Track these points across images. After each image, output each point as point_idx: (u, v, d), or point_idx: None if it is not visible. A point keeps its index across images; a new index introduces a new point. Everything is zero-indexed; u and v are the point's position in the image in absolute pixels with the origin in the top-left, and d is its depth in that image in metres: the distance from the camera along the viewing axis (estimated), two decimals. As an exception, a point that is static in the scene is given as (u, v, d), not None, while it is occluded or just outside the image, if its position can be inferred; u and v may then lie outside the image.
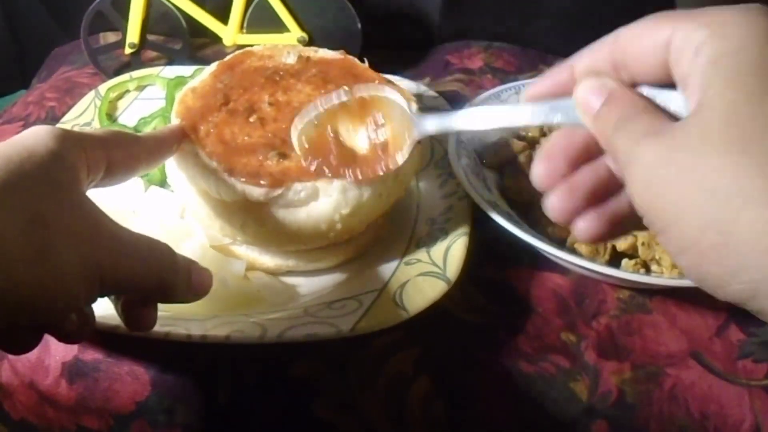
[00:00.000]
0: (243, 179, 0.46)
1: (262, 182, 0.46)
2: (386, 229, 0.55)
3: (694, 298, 0.53)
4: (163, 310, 0.47)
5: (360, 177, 0.46)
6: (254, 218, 0.48)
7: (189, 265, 0.40)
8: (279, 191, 0.46)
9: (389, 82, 0.55)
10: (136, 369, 0.48)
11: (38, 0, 0.92)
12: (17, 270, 0.30)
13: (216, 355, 0.47)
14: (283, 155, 0.47)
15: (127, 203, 0.54)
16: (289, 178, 0.46)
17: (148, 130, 0.61)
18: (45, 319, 0.34)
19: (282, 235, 0.48)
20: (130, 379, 0.47)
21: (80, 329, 0.39)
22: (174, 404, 0.47)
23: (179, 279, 0.39)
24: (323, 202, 0.47)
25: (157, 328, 0.44)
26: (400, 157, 0.45)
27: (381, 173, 0.46)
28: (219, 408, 0.47)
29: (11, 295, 0.30)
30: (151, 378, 0.47)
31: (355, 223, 0.49)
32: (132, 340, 0.45)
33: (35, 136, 0.35)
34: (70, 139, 0.36)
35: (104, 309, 0.46)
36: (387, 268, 0.51)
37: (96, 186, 0.39)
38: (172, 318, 0.46)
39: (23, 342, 0.36)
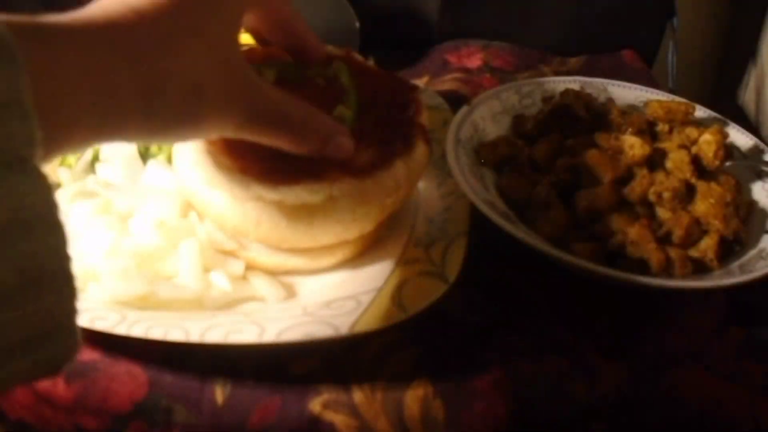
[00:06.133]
0: (257, 178, 0.46)
1: (276, 181, 0.46)
2: (385, 229, 0.55)
3: (693, 298, 0.53)
4: (163, 310, 0.48)
5: None
6: (269, 217, 0.48)
7: None
8: (294, 190, 0.46)
9: (396, 77, 0.55)
10: (134, 369, 0.48)
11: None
12: None
13: (214, 355, 0.47)
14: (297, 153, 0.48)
15: (125, 202, 0.54)
16: (303, 176, 0.46)
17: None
18: None
19: (296, 235, 0.48)
20: (127, 379, 0.47)
21: None
22: (172, 404, 0.47)
23: None
24: (338, 200, 0.47)
25: (156, 328, 0.44)
26: None
27: None
28: (217, 408, 0.47)
29: None
30: (148, 378, 0.47)
31: (368, 221, 0.49)
32: (129, 340, 0.45)
33: None
34: None
35: (103, 309, 0.46)
36: (386, 268, 0.51)
37: None
38: (171, 318, 0.46)
39: None
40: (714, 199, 0.54)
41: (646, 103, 0.63)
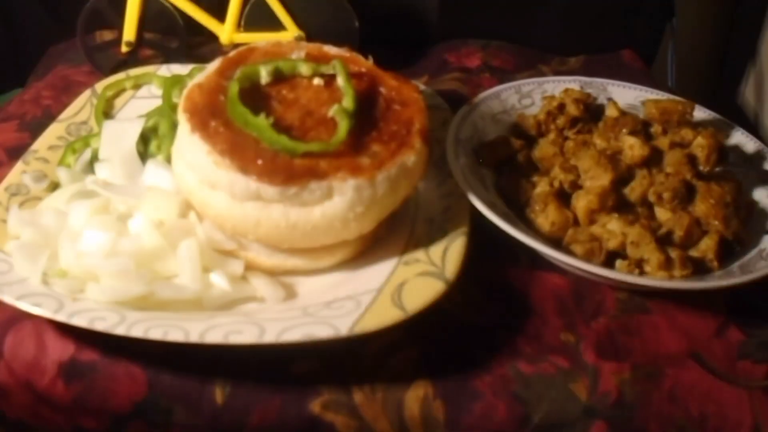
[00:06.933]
0: (257, 178, 0.46)
1: (276, 181, 0.46)
2: (385, 229, 0.55)
3: (693, 298, 0.53)
4: (162, 310, 0.47)
5: None
6: (268, 217, 0.48)
7: None
8: (293, 190, 0.46)
9: (395, 77, 0.55)
10: (133, 369, 0.47)
11: (35, -3, 0.92)
12: None
13: (214, 355, 0.47)
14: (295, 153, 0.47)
15: (124, 202, 0.54)
16: (303, 176, 0.46)
17: (146, 128, 0.61)
18: None
19: (296, 234, 0.48)
20: (127, 380, 0.47)
21: None
22: (172, 404, 0.47)
23: None
24: (338, 200, 0.47)
25: (155, 329, 0.44)
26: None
27: None
28: (217, 408, 0.47)
29: None
30: (148, 378, 0.47)
31: (368, 221, 0.49)
32: (129, 340, 0.45)
33: None
34: None
35: (102, 309, 0.46)
36: (385, 268, 0.51)
37: None
38: (170, 318, 0.46)
39: None
40: (714, 199, 0.54)
41: (644, 103, 0.63)
